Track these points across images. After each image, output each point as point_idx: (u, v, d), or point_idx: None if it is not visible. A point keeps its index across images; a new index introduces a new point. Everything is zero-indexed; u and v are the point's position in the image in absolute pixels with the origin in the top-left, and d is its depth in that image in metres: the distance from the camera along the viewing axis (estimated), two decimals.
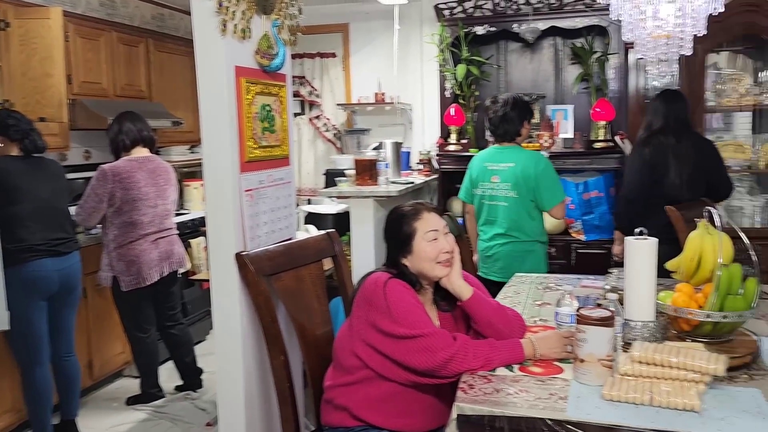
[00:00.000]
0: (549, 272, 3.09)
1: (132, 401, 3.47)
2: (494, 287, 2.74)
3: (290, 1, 2.34)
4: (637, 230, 1.81)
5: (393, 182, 3.86)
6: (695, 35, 2.06)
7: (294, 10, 2.37)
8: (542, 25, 4.18)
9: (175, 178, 3.47)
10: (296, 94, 5.14)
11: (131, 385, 3.67)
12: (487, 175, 3.13)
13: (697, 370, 1.47)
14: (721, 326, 1.74)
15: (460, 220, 3.51)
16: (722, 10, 2.00)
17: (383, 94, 4.76)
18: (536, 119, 4.32)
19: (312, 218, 4.19)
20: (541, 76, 4.51)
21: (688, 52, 2.07)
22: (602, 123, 4.02)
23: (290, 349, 2.06)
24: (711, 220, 1.86)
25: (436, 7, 4.38)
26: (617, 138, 3.96)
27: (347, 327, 1.84)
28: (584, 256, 4.03)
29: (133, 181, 3.17)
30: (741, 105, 3.86)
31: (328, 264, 2.43)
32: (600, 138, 4.02)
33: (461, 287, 1.81)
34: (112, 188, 3.12)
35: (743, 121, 4.19)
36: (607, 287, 2.00)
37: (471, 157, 3.39)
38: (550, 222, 3.72)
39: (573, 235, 4.10)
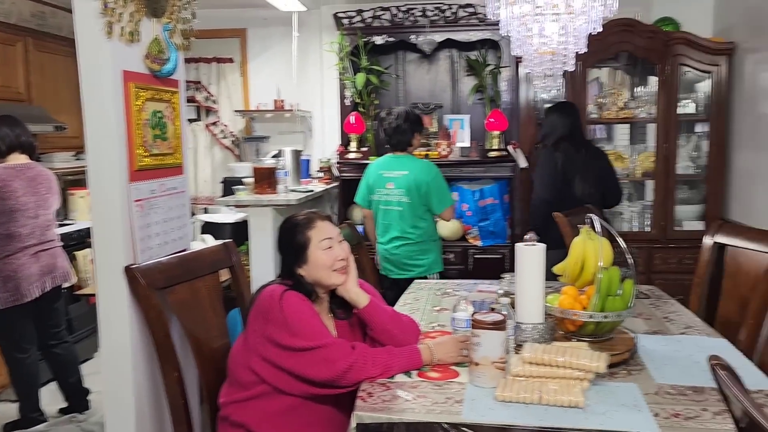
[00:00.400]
0: (447, 278, 3.20)
1: (10, 427, 3.21)
2: (396, 285, 3.00)
3: (183, 5, 2.27)
4: (526, 236, 1.89)
5: (292, 190, 3.83)
6: (577, 52, 2.19)
7: (187, 13, 2.30)
8: (438, 38, 4.30)
9: (58, 186, 3.26)
10: (192, 100, 4.99)
11: (8, 410, 3.39)
12: (383, 182, 3.28)
13: (581, 368, 1.56)
14: (602, 326, 1.85)
15: (360, 228, 3.55)
16: (601, 29, 2.14)
17: (282, 101, 4.71)
18: (434, 128, 4.45)
19: (209, 228, 4.06)
20: (439, 86, 4.64)
21: (571, 68, 2.21)
22: (496, 133, 4.18)
23: (185, 364, 1.98)
24: (593, 226, 1.98)
25: (335, 15, 4.40)
26: (510, 147, 4.14)
27: (242, 341, 1.79)
28: (481, 262, 4.17)
29: (9, 190, 2.95)
30: (619, 117, 4.15)
31: (225, 275, 2.36)
32: (494, 147, 4.18)
33: (357, 295, 1.82)
34: None
35: (622, 133, 4.51)
36: (501, 292, 2.08)
37: None
38: (448, 228, 3.85)
39: (470, 241, 4.23)
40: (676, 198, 4.10)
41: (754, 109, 3.76)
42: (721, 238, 2.64)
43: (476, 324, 1.64)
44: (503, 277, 2.19)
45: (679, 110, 4.03)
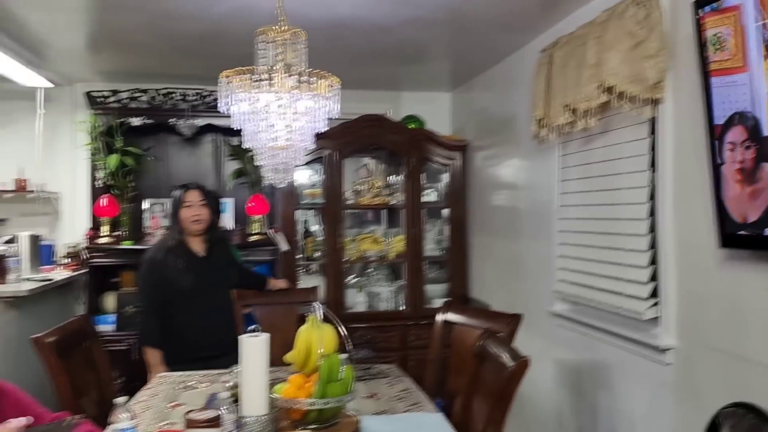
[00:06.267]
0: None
1: None
2: None
3: None
4: (251, 327, 1.91)
5: (27, 279, 3.45)
6: (306, 147, 2.32)
7: None
8: (200, 122, 4.30)
9: None
10: None
11: None
12: None
13: None
14: (325, 412, 1.91)
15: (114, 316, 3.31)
16: (325, 128, 2.31)
17: (25, 180, 4.30)
18: None
19: None
20: (202, 169, 4.60)
21: (301, 163, 2.34)
22: (257, 217, 4.24)
23: None
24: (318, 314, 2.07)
25: (87, 94, 4.19)
26: (270, 231, 4.21)
27: None
28: None
29: None
30: (373, 204, 4.47)
31: None
32: (255, 231, 4.22)
33: None
34: None
35: (383, 218, 4.86)
36: (230, 384, 2.05)
37: (126, 250, 3.31)
38: None
39: None
40: (425, 278, 4.47)
41: (483, 197, 4.30)
42: (450, 316, 2.92)
43: (190, 423, 1.59)
44: (232, 369, 2.16)
45: (424, 198, 4.47)
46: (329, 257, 4.30)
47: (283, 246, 4.14)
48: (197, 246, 3.10)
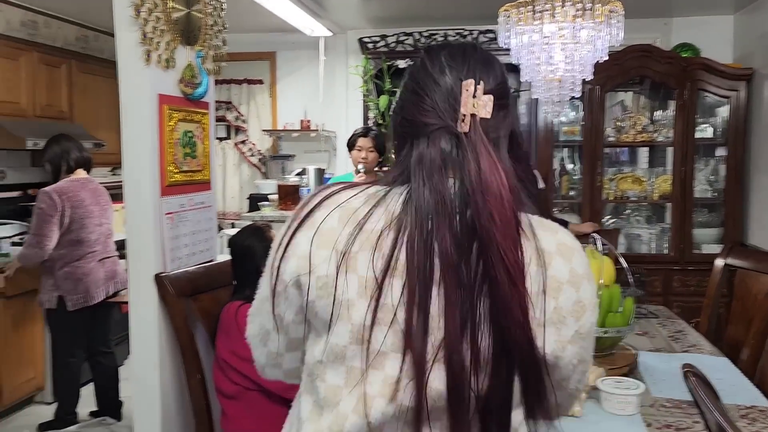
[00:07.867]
0: None
1: (44, 427, 3.38)
2: None
3: (215, 33, 2.44)
4: None
5: None
6: (584, 79, 2.29)
7: (218, 41, 2.47)
8: None
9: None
10: (222, 119, 5.19)
11: (42, 411, 3.56)
12: None
13: None
14: (603, 341, 1.93)
15: None
16: (606, 58, 2.24)
17: (309, 121, 4.88)
18: None
19: None
20: None
21: (577, 95, 2.31)
22: None
23: (210, 368, 2.11)
24: (596, 246, 2.07)
25: (360, 40, 4.57)
26: None
27: (215, 361, 1.98)
28: None
29: (79, 199, 3.18)
30: (637, 141, 4.21)
31: None
32: None
33: None
34: (62, 207, 3.09)
35: (642, 156, 4.57)
36: None
37: None
38: None
39: None
40: (694, 221, 4.13)
41: None
42: (732, 261, 2.70)
43: None
44: None
45: (697, 134, 4.08)
46: (586, 196, 4.20)
47: (540, 183, 4.14)
48: None
